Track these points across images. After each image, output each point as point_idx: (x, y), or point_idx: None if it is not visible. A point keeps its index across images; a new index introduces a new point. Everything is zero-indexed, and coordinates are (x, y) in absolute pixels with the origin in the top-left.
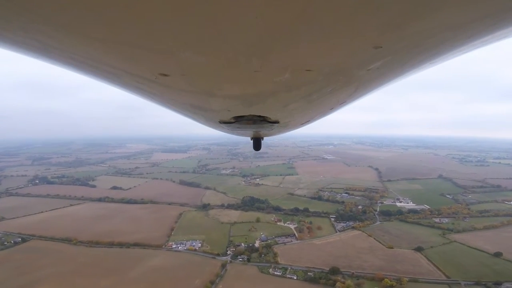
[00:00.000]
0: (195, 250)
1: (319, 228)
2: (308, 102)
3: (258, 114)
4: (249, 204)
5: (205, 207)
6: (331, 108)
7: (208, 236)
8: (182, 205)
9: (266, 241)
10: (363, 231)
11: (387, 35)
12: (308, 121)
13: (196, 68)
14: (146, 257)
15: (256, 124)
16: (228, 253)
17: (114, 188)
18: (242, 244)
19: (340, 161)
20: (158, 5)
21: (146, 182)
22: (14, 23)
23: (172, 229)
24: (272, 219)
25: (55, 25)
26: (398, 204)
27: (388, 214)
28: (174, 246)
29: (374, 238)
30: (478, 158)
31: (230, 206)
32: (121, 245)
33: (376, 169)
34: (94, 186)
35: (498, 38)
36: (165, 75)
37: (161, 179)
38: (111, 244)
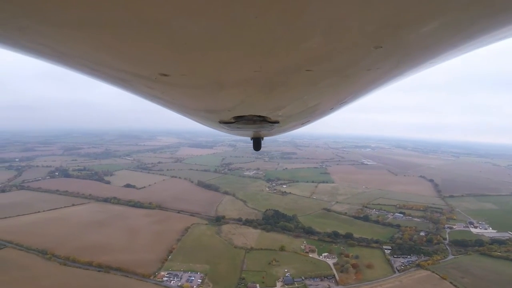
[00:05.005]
0: None
1: (369, 266)
2: (308, 102)
3: (258, 114)
4: (272, 220)
5: (219, 220)
6: (331, 108)
7: (213, 267)
8: (192, 214)
9: (291, 283)
10: (433, 271)
11: (387, 35)
12: (308, 121)
13: (196, 68)
14: None
15: (256, 124)
16: None
17: (127, 186)
18: (258, 286)
19: (383, 168)
20: (157, 5)
21: (164, 180)
22: (12, 23)
23: (171, 251)
24: (302, 246)
25: (53, 25)
26: (473, 230)
27: (463, 244)
28: (166, 278)
29: (451, 283)
30: None
31: (248, 222)
32: (100, 267)
33: (431, 180)
34: (108, 183)
35: (498, 38)
36: (165, 75)
37: (179, 177)
38: (89, 264)
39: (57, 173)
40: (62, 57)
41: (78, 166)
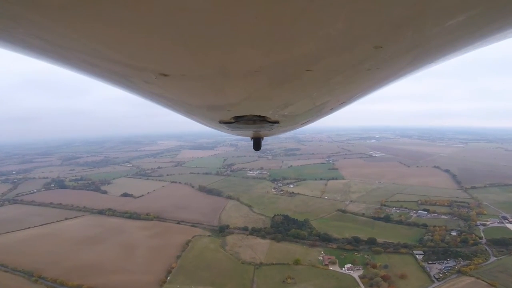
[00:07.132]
0: None
1: (402, 276)
2: (308, 102)
3: (258, 114)
4: (282, 228)
5: (223, 230)
6: (331, 108)
7: None
8: (193, 225)
9: None
10: (478, 277)
11: (387, 35)
12: (308, 121)
13: (196, 68)
14: None
15: (256, 124)
16: None
17: (125, 195)
18: None
19: (393, 159)
20: (158, 5)
21: (163, 187)
22: (4, 10)
23: (169, 271)
24: (320, 258)
25: (47, 13)
26: (509, 226)
27: (503, 243)
28: None
29: None
30: None
31: (255, 231)
32: None
33: (447, 170)
34: (105, 192)
35: (498, 39)
36: (165, 75)
37: (179, 183)
38: None
39: (53, 185)
40: (61, 52)
41: (75, 176)
